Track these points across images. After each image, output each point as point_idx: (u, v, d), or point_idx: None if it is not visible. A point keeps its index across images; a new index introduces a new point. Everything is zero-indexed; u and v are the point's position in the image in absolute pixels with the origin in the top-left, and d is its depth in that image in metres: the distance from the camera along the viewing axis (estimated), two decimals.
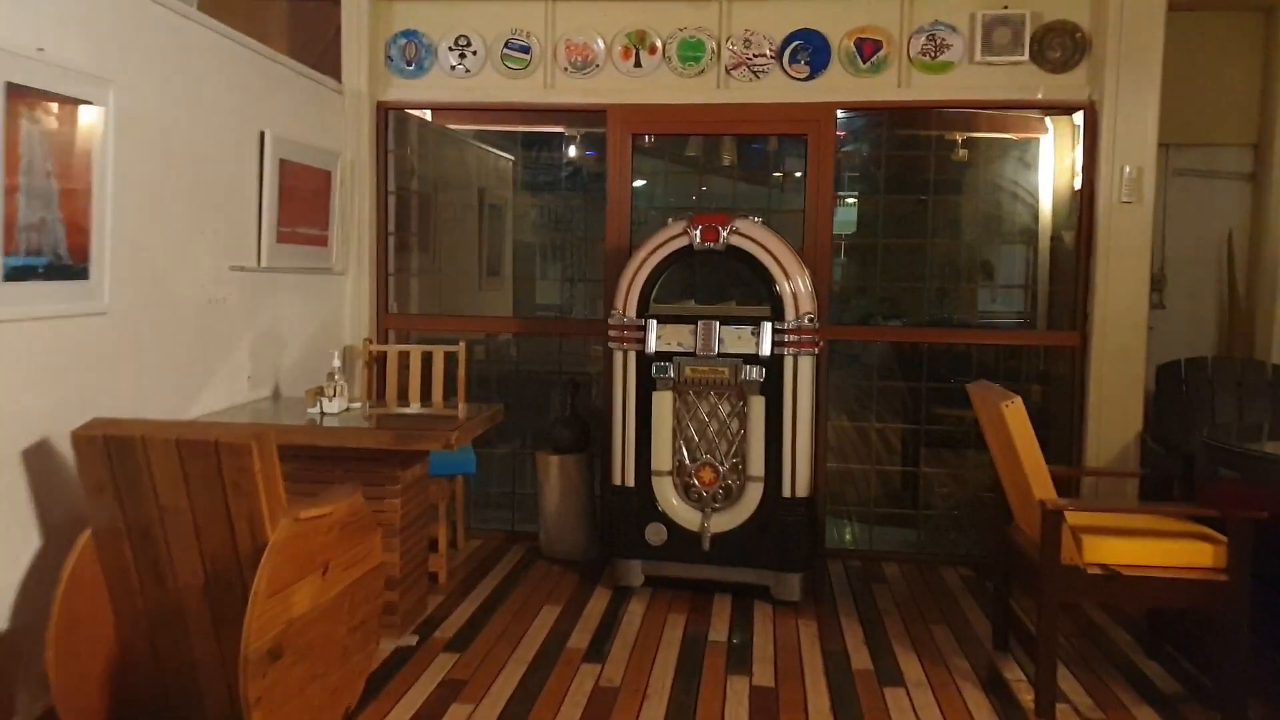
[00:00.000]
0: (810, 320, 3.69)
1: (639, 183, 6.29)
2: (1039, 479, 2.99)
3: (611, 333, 3.85)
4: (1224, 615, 2.83)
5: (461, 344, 4.39)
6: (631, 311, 3.80)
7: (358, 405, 3.58)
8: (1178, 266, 4.90)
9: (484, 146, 6.12)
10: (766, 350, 3.68)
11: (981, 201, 5.35)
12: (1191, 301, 4.91)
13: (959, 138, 5.08)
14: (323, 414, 3.40)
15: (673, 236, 3.78)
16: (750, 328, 3.72)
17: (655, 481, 3.84)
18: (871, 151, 4.87)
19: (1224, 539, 2.86)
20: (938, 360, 5.10)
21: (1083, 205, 4.27)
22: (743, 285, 3.83)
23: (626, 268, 3.85)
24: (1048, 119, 4.75)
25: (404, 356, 4.42)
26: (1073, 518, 2.98)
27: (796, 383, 3.69)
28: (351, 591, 2.73)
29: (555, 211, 6.58)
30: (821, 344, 3.84)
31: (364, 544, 2.82)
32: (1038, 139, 4.91)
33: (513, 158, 6.42)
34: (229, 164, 3.54)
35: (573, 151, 5.23)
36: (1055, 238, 4.84)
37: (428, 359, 4.38)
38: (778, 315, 3.69)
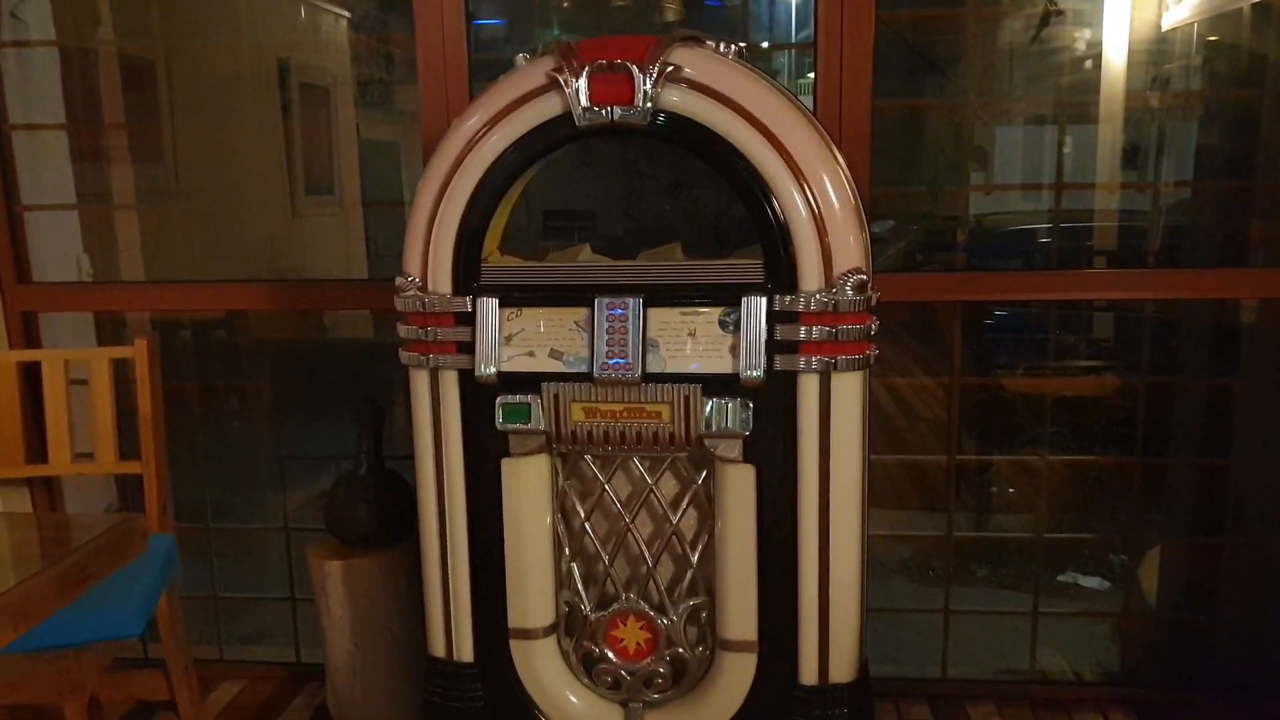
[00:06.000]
0: (858, 286, 1.55)
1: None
2: None
3: (403, 329, 1.68)
4: None
5: (140, 344, 2.20)
6: (441, 279, 1.63)
7: None
8: None
9: None
10: (756, 361, 1.54)
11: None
12: None
13: None
14: None
15: (526, 95, 1.57)
16: (719, 310, 1.58)
17: (518, 651, 1.74)
18: None
19: None
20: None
21: None
22: (698, 207, 1.68)
23: (427, 177, 1.65)
24: None
25: (31, 372, 2.24)
26: None
27: (830, 431, 1.57)
28: None
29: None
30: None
31: None
32: None
33: (348, 14, 4.13)
34: None
35: None
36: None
37: (85, 374, 2.20)
38: (782, 276, 1.55)
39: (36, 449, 2.28)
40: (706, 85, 1.51)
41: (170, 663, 2.32)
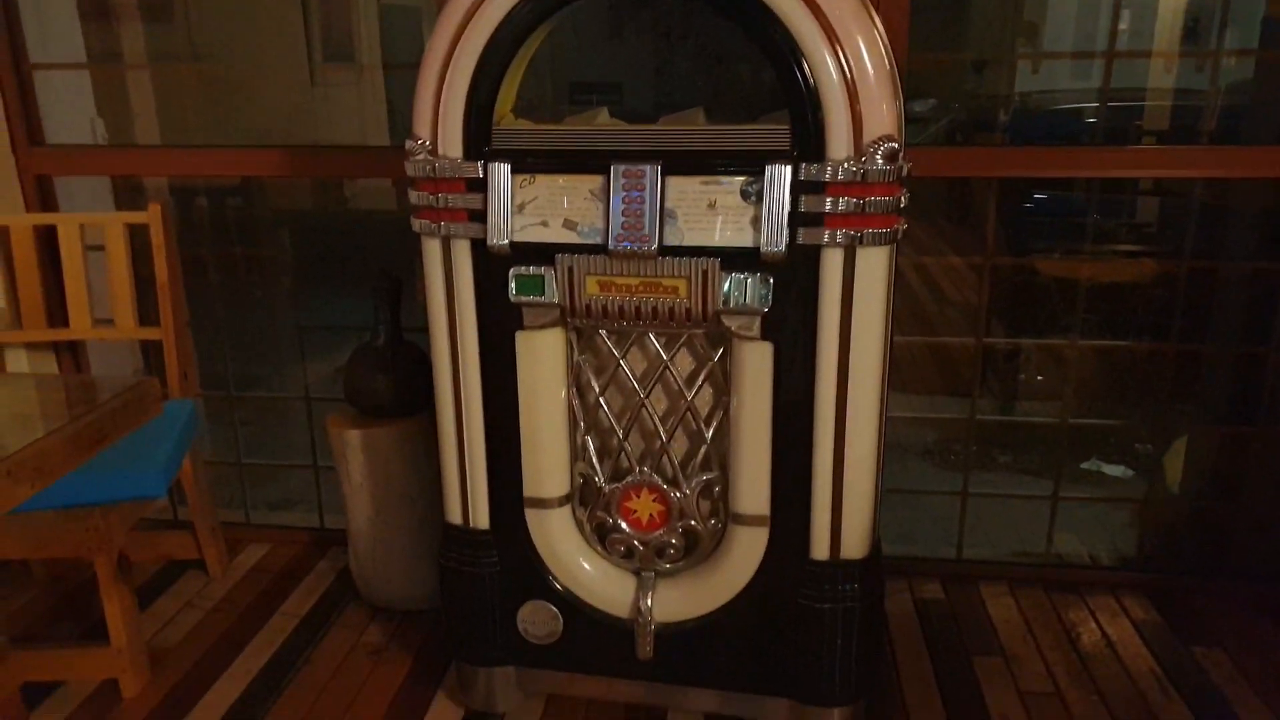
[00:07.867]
0: (888, 155, 1.46)
1: None
2: None
3: (414, 195, 1.63)
4: None
5: (154, 209, 2.17)
6: (451, 142, 1.57)
7: None
8: None
9: None
10: (778, 234, 1.48)
11: None
12: None
13: None
14: None
15: None
16: (741, 180, 1.51)
17: (534, 520, 1.76)
18: None
19: None
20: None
21: None
22: (720, 67, 1.59)
23: (436, 33, 1.57)
24: None
25: (47, 236, 2.22)
26: None
27: (852, 309, 1.52)
28: None
29: None
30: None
31: None
32: None
33: None
34: None
35: None
36: None
37: (101, 239, 2.19)
38: (809, 144, 1.47)
39: (58, 313, 2.29)
40: None
41: (197, 524, 2.39)
